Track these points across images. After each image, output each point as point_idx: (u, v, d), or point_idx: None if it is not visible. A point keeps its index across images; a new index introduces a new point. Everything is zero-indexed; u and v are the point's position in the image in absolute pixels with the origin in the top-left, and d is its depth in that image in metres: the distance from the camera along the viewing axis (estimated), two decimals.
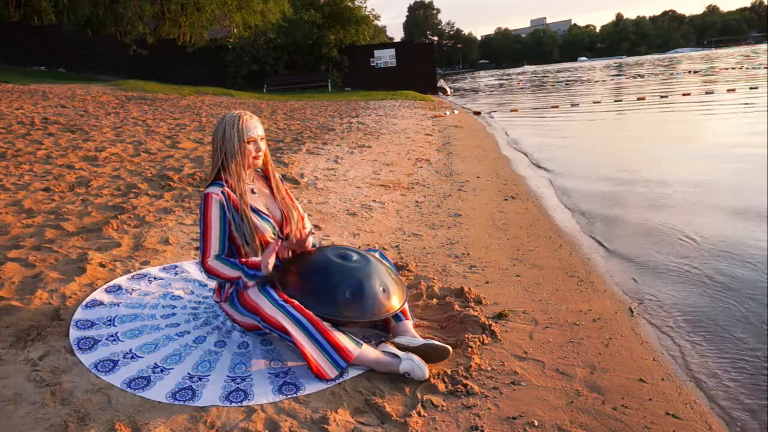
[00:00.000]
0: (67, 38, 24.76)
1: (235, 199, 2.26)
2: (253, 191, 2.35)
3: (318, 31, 23.80)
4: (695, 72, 28.80)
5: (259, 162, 2.35)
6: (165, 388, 1.94)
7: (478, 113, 15.90)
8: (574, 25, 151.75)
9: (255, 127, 2.29)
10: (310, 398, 1.92)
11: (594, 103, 16.15)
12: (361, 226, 4.10)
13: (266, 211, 2.36)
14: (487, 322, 2.45)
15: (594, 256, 3.76)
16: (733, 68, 28.69)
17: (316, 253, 2.35)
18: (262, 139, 2.32)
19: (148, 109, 12.30)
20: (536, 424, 1.82)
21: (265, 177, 2.47)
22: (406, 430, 1.78)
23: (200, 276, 2.93)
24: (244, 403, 1.88)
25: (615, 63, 70.49)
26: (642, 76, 29.54)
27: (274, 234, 2.35)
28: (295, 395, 1.93)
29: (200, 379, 2.01)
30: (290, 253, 2.36)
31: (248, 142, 2.27)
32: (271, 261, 2.20)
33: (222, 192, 2.25)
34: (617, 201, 5.31)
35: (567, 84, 28.23)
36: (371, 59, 25.60)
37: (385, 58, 25.65)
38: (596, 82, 28.64)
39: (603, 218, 4.75)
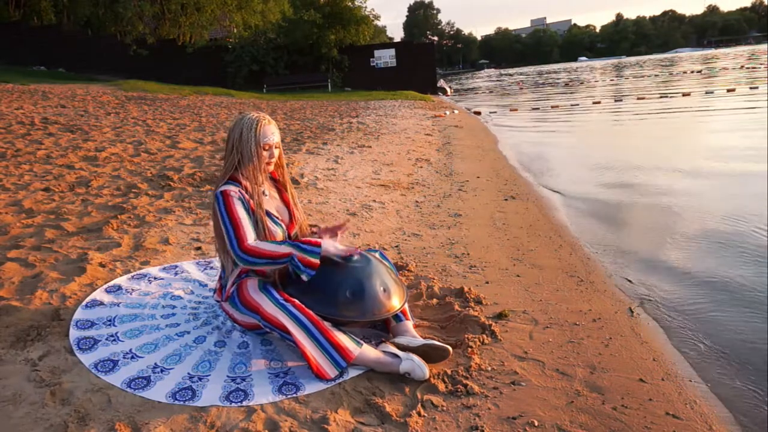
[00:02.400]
0: (67, 38, 24.75)
1: (250, 201, 2.26)
2: (264, 194, 2.36)
3: (318, 31, 23.79)
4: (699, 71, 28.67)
5: (271, 168, 2.36)
6: (165, 388, 1.94)
7: (478, 113, 15.90)
8: (574, 25, 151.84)
9: (272, 134, 2.29)
10: (310, 398, 1.92)
11: (594, 103, 16.15)
12: (361, 226, 4.10)
13: (277, 215, 2.37)
14: (487, 322, 2.45)
15: (594, 256, 3.76)
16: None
17: None
18: (276, 146, 2.33)
19: (148, 109, 12.31)
20: (536, 424, 1.82)
21: (274, 180, 2.47)
22: (406, 430, 1.78)
23: (200, 276, 2.93)
24: (244, 403, 1.88)
25: (614, 63, 70.46)
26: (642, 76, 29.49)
27: (284, 237, 2.36)
28: (295, 395, 1.93)
29: (200, 379, 2.01)
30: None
31: (264, 148, 2.28)
32: (335, 245, 2.23)
33: (239, 191, 2.25)
34: (617, 201, 5.30)
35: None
36: (371, 59, 25.60)
37: (385, 58, 25.65)
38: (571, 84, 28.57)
39: (603, 218, 4.75)
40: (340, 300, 2.15)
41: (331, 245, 2.23)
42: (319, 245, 2.19)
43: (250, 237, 2.18)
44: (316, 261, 2.18)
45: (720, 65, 33.69)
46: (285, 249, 2.17)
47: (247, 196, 2.26)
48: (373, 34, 28.08)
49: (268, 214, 2.31)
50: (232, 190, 2.24)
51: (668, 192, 5.42)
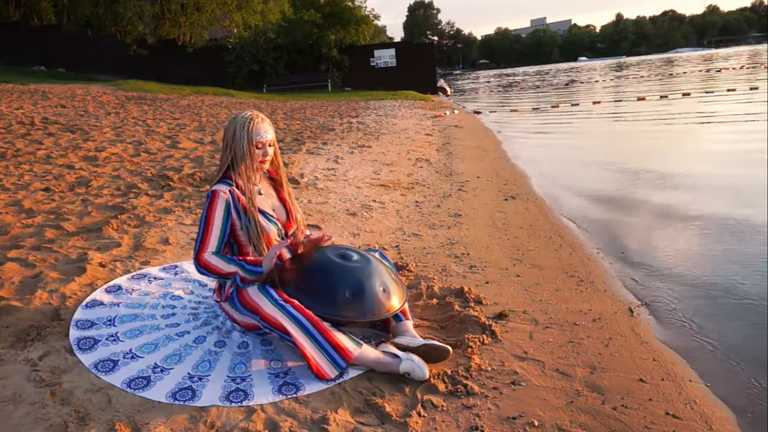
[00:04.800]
0: (67, 38, 24.73)
1: (243, 199, 2.26)
2: (260, 192, 2.36)
3: (318, 31, 23.77)
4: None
5: (266, 166, 2.37)
6: (165, 388, 1.94)
7: (478, 113, 15.90)
8: (574, 25, 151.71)
9: (265, 132, 2.29)
10: (310, 398, 1.92)
11: (594, 103, 16.15)
12: (361, 226, 4.10)
13: (272, 213, 2.37)
14: (487, 322, 2.45)
15: (594, 256, 3.76)
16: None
17: (316, 253, 2.35)
18: (270, 144, 2.33)
19: (148, 109, 12.30)
20: (536, 424, 1.82)
21: (272, 178, 2.48)
22: (406, 430, 1.78)
23: (200, 276, 2.93)
24: (244, 403, 1.88)
25: (614, 63, 70.45)
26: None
27: (280, 236, 2.36)
28: (295, 395, 1.93)
29: (200, 379, 2.01)
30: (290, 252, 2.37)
31: (256, 146, 2.28)
32: (273, 261, 2.21)
33: (230, 191, 2.26)
34: (617, 201, 5.30)
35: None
36: (371, 59, 25.57)
37: (385, 58, 25.63)
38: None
39: (603, 218, 4.75)
40: (340, 300, 2.15)
41: (270, 260, 2.22)
42: (259, 263, 2.21)
43: (211, 248, 2.23)
44: (257, 279, 2.22)
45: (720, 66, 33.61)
46: (232, 268, 2.20)
47: (238, 193, 2.26)
48: (373, 34, 28.05)
49: (263, 212, 2.32)
50: (223, 190, 2.25)
51: (669, 192, 5.42)
